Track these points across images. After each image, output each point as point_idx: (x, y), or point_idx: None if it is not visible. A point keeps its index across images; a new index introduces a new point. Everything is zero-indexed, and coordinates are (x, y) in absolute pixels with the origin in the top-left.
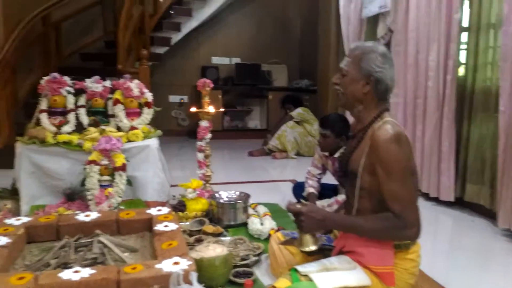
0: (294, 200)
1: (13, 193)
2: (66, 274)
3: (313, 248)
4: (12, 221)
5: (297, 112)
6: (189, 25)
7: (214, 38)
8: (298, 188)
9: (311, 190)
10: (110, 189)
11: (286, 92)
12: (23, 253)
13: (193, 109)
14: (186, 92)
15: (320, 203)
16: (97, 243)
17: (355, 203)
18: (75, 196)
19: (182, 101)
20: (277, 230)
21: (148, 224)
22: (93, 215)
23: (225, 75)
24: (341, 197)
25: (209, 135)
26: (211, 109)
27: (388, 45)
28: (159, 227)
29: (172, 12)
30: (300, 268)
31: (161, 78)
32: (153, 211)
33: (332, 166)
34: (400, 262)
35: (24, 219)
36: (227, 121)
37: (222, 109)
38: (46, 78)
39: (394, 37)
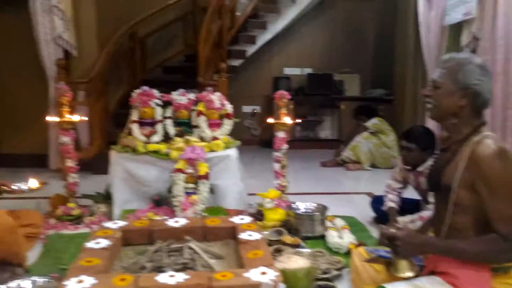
0: (372, 214)
1: (106, 198)
2: (163, 278)
3: (410, 274)
4: (110, 224)
5: (372, 122)
6: (263, 38)
7: (286, 49)
8: (377, 202)
9: (392, 204)
10: (194, 196)
11: (359, 102)
12: (120, 255)
13: (270, 120)
14: (258, 102)
15: (402, 219)
16: (187, 248)
17: (447, 220)
18: (162, 202)
19: (254, 111)
20: (358, 245)
21: (231, 232)
22: (181, 221)
23: (296, 85)
24: (425, 213)
25: (285, 146)
26: (287, 120)
27: (472, 53)
28: (243, 235)
29: (247, 25)
30: (389, 286)
31: (235, 89)
32: (236, 219)
33: (414, 180)
34: (499, 286)
35: (120, 223)
36: (298, 131)
37: (298, 120)
38: (137, 91)
39: (481, 45)
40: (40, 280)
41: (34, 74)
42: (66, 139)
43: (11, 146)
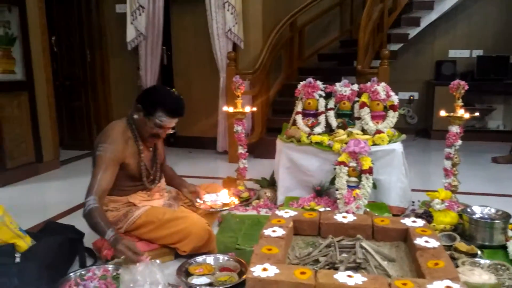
0: None
1: (271, 183)
2: (341, 277)
3: None
4: (282, 213)
5: None
6: (428, 19)
7: (452, 30)
8: None
9: None
10: (357, 191)
11: None
12: (291, 244)
13: (443, 113)
14: (416, 88)
15: None
16: (360, 247)
17: None
18: (323, 192)
19: (411, 98)
20: None
21: (403, 235)
22: (349, 217)
23: (463, 69)
24: None
25: (459, 142)
26: (463, 113)
27: None
28: (419, 241)
29: (412, 6)
30: None
31: (392, 74)
32: (407, 221)
33: None
34: None
35: (291, 213)
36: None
37: (476, 114)
38: (302, 83)
39: None
40: (221, 257)
41: (206, 65)
42: (239, 128)
43: (186, 129)
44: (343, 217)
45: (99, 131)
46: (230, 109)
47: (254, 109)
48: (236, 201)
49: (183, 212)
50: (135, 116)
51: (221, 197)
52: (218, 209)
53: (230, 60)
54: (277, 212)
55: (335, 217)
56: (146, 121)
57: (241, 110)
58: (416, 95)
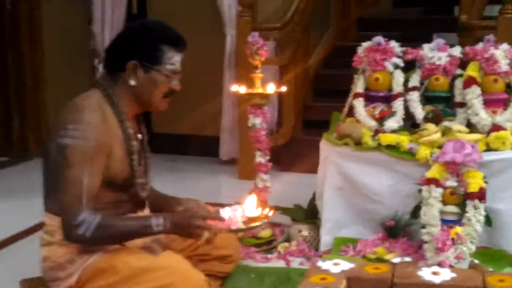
0: None
1: (310, 215)
2: None
3: None
4: (328, 265)
5: None
6: None
7: None
8: None
9: None
10: (459, 229)
11: None
12: None
13: None
14: None
15: None
16: None
17: None
18: (399, 231)
19: None
20: None
21: None
22: (444, 273)
23: None
24: None
25: None
26: None
27: None
28: None
29: None
30: None
31: None
32: None
33: None
34: None
35: (344, 265)
36: None
37: None
38: (365, 44)
39: None
40: None
41: (203, 16)
42: (257, 120)
43: (169, 123)
44: (434, 273)
45: (24, 123)
46: (243, 89)
47: (284, 88)
48: (270, 213)
49: (168, 260)
50: (132, 83)
51: (246, 209)
52: (244, 227)
53: (244, 7)
54: (319, 263)
55: (419, 273)
56: (154, 79)
57: (261, 90)
58: None
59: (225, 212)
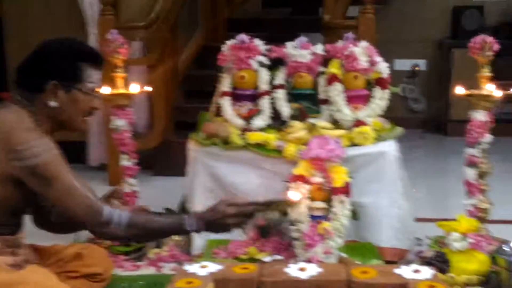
0: None
1: None
2: None
3: None
4: (196, 268)
5: None
6: None
7: None
8: None
9: None
10: (326, 224)
11: None
12: None
13: (461, 90)
14: (422, 53)
15: None
16: None
17: None
18: (270, 230)
19: (416, 68)
20: None
21: None
22: (311, 268)
23: (495, 20)
24: None
25: (487, 138)
26: (493, 91)
27: None
28: None
29: None
30: None
31: (382, 30)
32: (407, 272)
33: None
34: None
35: (211, 267)
36: (498, 105)
37: None
38: (230, 42)
39: None
40: None
41: (62, 14)
42: (121, 122)
43: None
44: (301, 269)
45: None
46: (105, 90)
47: (149, 88)
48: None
49: (34, 275)
50: (52, 104)
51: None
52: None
53: (106, 5)
54: (186, 267)
55: (286, 270)
56: (76, 98)
57: (123, 90)
58: (422, 64)
59: None
